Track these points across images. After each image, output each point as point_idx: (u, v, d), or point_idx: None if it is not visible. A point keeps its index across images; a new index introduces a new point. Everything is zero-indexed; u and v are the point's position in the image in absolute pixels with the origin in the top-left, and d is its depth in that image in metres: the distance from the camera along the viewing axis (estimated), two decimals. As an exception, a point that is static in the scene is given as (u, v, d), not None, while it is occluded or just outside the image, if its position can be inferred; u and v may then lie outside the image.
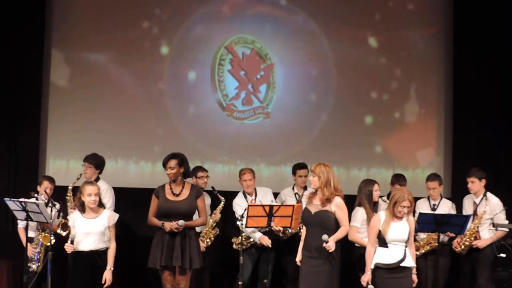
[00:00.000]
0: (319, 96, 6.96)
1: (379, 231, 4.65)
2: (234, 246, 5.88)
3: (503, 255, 5.47)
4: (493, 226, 5.55)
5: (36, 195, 5.42)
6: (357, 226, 5.24)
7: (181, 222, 4.86)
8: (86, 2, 6.90)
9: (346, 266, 5.59)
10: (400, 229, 4.64)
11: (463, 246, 5.57)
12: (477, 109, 6.62)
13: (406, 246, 4.67)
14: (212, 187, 5.92)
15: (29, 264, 5.43)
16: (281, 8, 6.92)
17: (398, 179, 5.92)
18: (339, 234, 4.74)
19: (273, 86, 6.95)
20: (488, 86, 6.63)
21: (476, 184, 5.61)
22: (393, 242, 4.64)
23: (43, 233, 5.43)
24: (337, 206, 4.79)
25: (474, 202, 5.64)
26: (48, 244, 5.27)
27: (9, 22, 6.64)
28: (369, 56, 6.91)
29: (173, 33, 6.87)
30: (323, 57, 6.95)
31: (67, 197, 5.62)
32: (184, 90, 6.91)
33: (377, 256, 4.68)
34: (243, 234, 5.56)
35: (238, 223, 5.38)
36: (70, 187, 5.65)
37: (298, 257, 4.88)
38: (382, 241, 4.66)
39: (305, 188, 6.07)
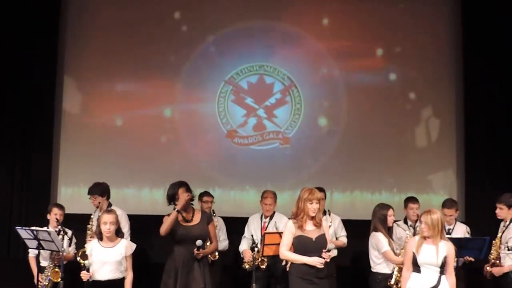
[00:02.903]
0: (332, 120, 6.98)
1: (413, 254, 4.58)
2: (243, 265, 5.85)
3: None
4: (508, 249, 5.48)
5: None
6: (389, 248, 5.19)
7: (198, 242, 4.84)
8: (98, 30, 6.99)
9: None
10: (433, 252, 4.52)
11: (488, 273, 5.50)
12: (490, 132, 6.60)
13: (442, 273, 4.53)
14: (212, 210, 5.96)
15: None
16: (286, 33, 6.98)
17: (409, 199, 5.90)
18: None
19: (296, 108, 6.96)
20: (501, 109, 6.62)
21: (504, 211, 5.50)
22: (425, 265, 4.53)
23: (55, 268, 5.37)
24: (326, 229, 4.88)
25: (501, 228, 5.54)
26: (58, 280, 5.23)
27: (22, 50, 6.72)
28: (381, 80, 6.94)
29: (180, 64, 6.97)
30: (334, 82, 6.99)
31: (88, 226, 5.59)
32: (193, 119, 6.97)
33: (410, 281, 4.56)
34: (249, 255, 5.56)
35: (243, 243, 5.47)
36: (92, 216, 5.64)
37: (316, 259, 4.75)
38: (415, 265, 4.57)
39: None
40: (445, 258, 4.51)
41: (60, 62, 6.90)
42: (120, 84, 6.95)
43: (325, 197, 6.02)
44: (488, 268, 5.50)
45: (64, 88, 6.93)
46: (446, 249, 4.52)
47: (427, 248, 4.55)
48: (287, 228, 4.87)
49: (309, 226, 4.80)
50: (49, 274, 5.39)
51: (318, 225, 4.80)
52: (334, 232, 5.92)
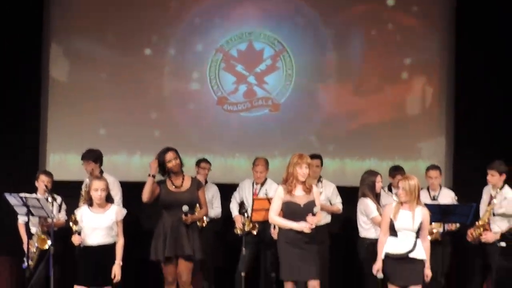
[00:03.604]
0: (323, 86, 6.91)
1: (390, 219, 4.69)
2: (235, 230, 5.91)
3: (503, 244, 5.47)
4: (493, 215, 5.55)
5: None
6: (377, 214, 5.25)
7: (185, 207, 4.87)
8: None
9: (353, 259, 5.65)
10: (410, 218, 4.66)
11: (474, 235, 5.57)
12: (479, 100, 6.58)
13: (417, 237, 4.69)
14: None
15: (24, 258, 5.39)
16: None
17: (397, 170, 5.93)
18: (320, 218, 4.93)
19: (287, 74, 6.88)
20: (492, 80, 6.56)
21: (495, 178, 5.51)
22: (402, 230, 4.66)
23: (42, 235, 5.37)
24: (317, 195, 4.90)
25: (491, 194, 5.56)
26: (45, 248, 5.24)
27: (7, 16, 6.58)
28: (373, 47, 6.86)
29: (169, 30, 6.86)
30: (324, 49, 6.92)
31: (81, 192, 5.59)
32: (184, 87, 6.89)
33: (387, 245, 4.71)
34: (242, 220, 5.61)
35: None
36: (85, 182, 5.63)
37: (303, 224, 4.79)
38: (392, 230, 4.69)
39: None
40: (421, 223, 4.65)
41: (46, 29, 6.77)
42: (108, 52, 6.85)
43: (321, 165, 6.04)
44: (473, 232, 5.58)
45: (50, 55, 6.82)
46: (421, 214, 4.66)
47: (404, 213, 4.67)
48: (277, 194, 4.91)
49: (299, 192, 4.84)
50: (36, 241, 5.40)
51: (308, 191, 4.84)
52: (328, 199, 5.97)
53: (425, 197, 5.74)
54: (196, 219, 5.12)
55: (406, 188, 4.65)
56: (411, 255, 4.66)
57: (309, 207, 4.79)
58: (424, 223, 4.70)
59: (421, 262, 4.68)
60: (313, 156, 6.00)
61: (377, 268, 4.72)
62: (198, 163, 6.15)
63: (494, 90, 6.58)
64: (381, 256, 4.73)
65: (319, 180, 6.02)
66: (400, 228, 4.67)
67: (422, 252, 4.68)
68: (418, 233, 4.68)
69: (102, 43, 6.84)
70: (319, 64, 6.91)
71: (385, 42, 6.88)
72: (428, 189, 5.92)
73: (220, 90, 6.92)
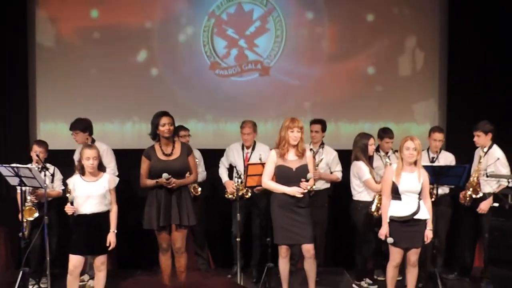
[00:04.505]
0: (314, 48, 6.79)
1: (393, 182, 4.68)
2: (226, 195, 5.91)
3: (496, 204, 5.51)
4: (487, 176, 5.57)
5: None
6: (370, 177, 5.25)
7: (165, 175, 4.84)
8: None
9: (346, 221, 5.68)
10: (412, 180, 4.66)
11: (468, 198, 5.61)
12: (471, 62, 6.51)
13: (420, 199, 4.70)
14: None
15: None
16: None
17: (386, 132, 5.89)
18: (312, 182, 4.91)
19: (276, 35, 6.75)
20: (483, 39, 6.49)
21: (481, 138, 5.54)
22: (405, 193, 4.66)
23: (28, 206, 5.35)
24: (310, 160, 4.88)
25: (480, 155, 5.58)
26: (31, 218, 5.23)
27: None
28: (366, 9, 6.72)
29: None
30: (315, 8, 6.76)
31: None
32: (175, 51, 6.75)
33: (391, 209, 4.71)
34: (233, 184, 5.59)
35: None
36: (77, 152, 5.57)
37: (296, 189, 4.83)
38: (395, 193, 4.69)
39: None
40: (422, 184, 4.66)
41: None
42: (97, 17, 6.68)
43: (323, 130, 5.96)
44: (465, 194, 5.61)
45: (36, 21, 6.64)
46: (422, 175, 4.70)
47: (407, 176, 4.66)
48: (270, 158, 4.91)
49: (291, 156, 4.83)
50: (23, 212, 5.38)
51: (301, 155, 4.83)
52: (328, 166, 5.94)
53: (424, 159, 5.70)
54: (183, 183, 5.04)
55: (417, 147, 4.67)
56: (416, 217, 4.67)
57: (302, 171, 4.78)
58: (425, 183, 4.72)
59: (425, 222, 4.72)
60: (314, 121, 5.97)
61: (384, 233, 4.73)
62: (176, 131, 5.90)
63: (486, 52, 6.51)
64: (386, 220, 4.72)
65: (320, 145, 5.97)
66: (404, 190, 4.66)
67: (426, 212, 4.72)
68: (420, 194, 4.69)
69: (90, 7, 6.65)
70: (310, 23, 6.78)
71: (378, 3, 6.75)
72: (428, 150, 5.89)
73: (213, 55, 6.81)
